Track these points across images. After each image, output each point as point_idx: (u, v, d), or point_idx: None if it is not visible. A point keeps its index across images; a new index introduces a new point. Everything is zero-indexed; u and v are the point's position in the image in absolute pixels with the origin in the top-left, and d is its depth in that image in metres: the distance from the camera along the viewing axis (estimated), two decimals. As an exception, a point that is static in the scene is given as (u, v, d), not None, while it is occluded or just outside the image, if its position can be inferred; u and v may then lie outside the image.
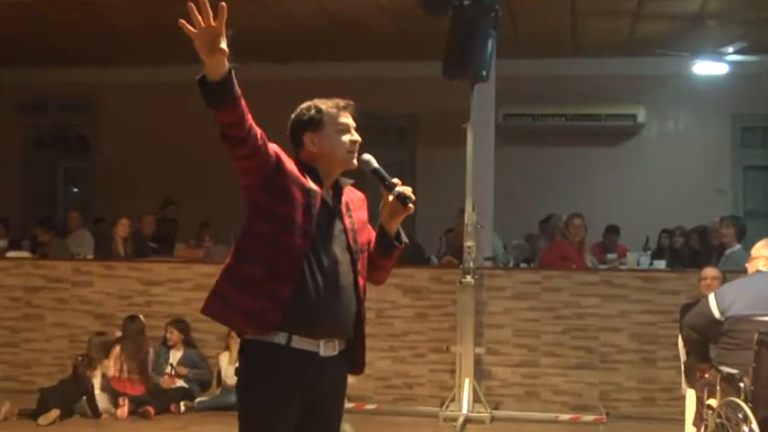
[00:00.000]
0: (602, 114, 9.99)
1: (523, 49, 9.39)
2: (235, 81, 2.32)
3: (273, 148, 2.54)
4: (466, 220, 6.50)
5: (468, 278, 6.44)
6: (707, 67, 9.15)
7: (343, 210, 2.69)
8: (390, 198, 2.65)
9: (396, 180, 2.67)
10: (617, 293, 6.76)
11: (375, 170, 2.68)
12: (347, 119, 2.69)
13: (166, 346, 6.79)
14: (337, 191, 2.71)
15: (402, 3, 7.52)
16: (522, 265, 7.75)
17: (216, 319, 2.63)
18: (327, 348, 2.60)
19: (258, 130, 2.45)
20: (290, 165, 2.58)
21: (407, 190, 2.66)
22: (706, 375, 4.32)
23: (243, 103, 2.37)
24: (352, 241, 2.66)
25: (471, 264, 6.45)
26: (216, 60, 2.26)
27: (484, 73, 6.41)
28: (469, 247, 6.44)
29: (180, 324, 6.78)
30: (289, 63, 10.01)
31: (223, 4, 2.25)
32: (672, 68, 9.61)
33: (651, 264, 7.54)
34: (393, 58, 9.79)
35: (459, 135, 6.59)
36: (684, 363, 5.11)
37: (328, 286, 2.56)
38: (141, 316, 6.72)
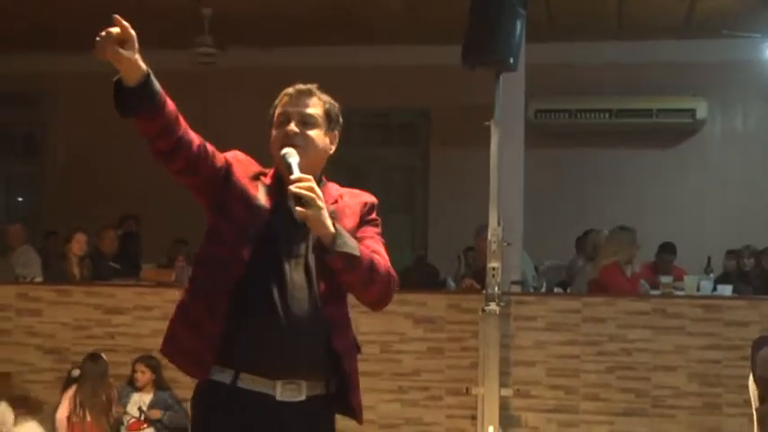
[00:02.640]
0: (653, 109, 10.01)
1: (559, 32, 9.42)
2: (155, 85, 2.36)
3: (228, 156, 2.59)
4: (489, 237, 6.51)
5: (493, 306, 6.44)
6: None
7: None
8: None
9: (294, 176, 2.50)
10: (673, 325, 6.76)
11: (287, 165, 2.55)
12: (287, 107, 2.66)
13: (133, 386, 6.75)
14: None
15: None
16: (557, 290, 7.76)
17: (170, 361, 2.69)
18: (287, 391, 2.57)
19: (195, 140, 2.48)
20: (241, 177, 2.60)
21: (303, 186, 2.45)
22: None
23: (169, 108, 2.40)
24: (312, 261, 2.59)
25: (496, 288, 6.46)
26: (125, 66, 2.32)
27: (511, 60, 6.44)
28: (494, 269, 6.45)
29: (151, 361, 6.69)
30: (274, 48, 10.04)
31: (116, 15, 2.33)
32: (739, 53, 9.63)
33: (714, 289, 7.54)
34: (400, 42, 9.83)
35: (481, 134, 6.61)
36: (757, 409, 5.09)
37: (274, 317, 2.54)
38: (104, 356, 6.70)
